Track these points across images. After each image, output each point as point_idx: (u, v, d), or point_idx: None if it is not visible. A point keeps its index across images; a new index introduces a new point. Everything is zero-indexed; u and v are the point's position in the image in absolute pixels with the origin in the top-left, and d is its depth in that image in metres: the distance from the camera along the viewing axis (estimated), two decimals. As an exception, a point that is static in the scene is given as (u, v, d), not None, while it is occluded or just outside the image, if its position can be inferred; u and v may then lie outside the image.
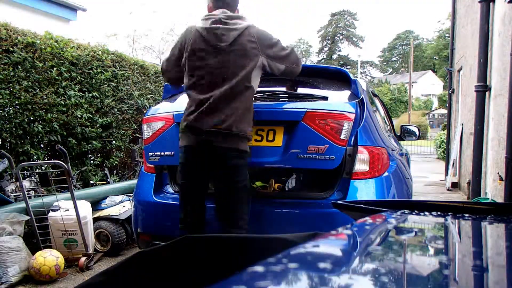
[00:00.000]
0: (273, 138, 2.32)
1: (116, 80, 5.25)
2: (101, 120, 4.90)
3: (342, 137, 2.22)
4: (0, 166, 3.58)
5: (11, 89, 3.82)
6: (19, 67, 3.91)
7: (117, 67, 5.32)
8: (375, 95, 3.85)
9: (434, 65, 54.77)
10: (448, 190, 7.85)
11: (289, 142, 2.27)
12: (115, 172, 5.61)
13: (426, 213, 0.90)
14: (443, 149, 12.62)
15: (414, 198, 3.83)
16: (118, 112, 5.26)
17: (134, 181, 3.73)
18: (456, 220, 0.85)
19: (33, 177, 3.98)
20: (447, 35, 43.90)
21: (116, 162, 5.34)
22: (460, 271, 0.57)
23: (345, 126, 2.23)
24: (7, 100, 3.75)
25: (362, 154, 2.35)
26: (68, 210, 3.40)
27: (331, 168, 2.22)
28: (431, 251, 0.67)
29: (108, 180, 4.84)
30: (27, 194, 3.53)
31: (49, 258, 3.05)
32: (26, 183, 3.80)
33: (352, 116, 2.26)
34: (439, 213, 0.90)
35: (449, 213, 0.90)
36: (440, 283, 0.53)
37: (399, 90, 43.28)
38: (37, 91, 4.09)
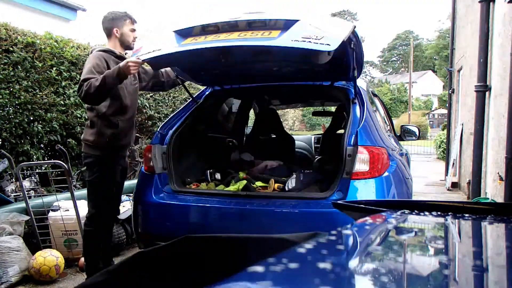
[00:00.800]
0: (269, 34, 2.24)
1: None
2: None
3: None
4: (0, 166, 3.58)
5: (11, 89, 3.82)
6: (19, 67, 3.91)
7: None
8: (375, 95, 3.85)
9: (434, 65, 54.74)
10: (448, 190, 7.85)
11: (284, 33, 2.18)
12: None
13: (426, 213, 0.90)
14: (443, 149, 12.62)
15: (414, 198, 3.84)
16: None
17: (134, 181, 3.73)
18: (456, 220, 0.85)
19: (33, 177, 3.98)
20: (447, 35, 43.89)
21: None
22: (460, 271, 0.57)
23: None
24: (6, 100, 3.75)
25: (362, 154, 2.35)
26: (68, 210, 3.40)
27: (325, 51, 2.08)
28: (431, 251, 0.67)
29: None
30: (27, 194, 3.53)
31: (49, 258, 3.05)
32: (26, 183, 3.80)
33: None
34: (439, 213, 0.90)
35: (449, 213, 0.90)
36: (440, 283, 0.53)
37: (399, 90, 43.24)
38: (37, 91, 4.08)
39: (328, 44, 2.00)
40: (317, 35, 2.05)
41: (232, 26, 2.28)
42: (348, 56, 2.43)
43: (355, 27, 2.23)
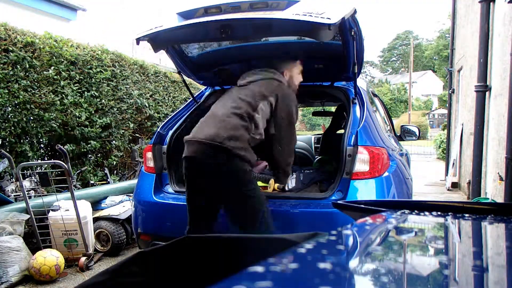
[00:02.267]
0: (270, 14, 2.27)
1: (115, 80, 5.25)
2: (101, 120, 4.89)
3: None
4: (0, 166, 3.58)
5: (10, 89, 3.82)
6: (18, 66, 3.91)
7: (116, 66, 5.32)
8: (375, 95, 3.85)
9: (434, 65, 54.76)
10: (448, 190, 7.85)
11: (289, 8, 2.23)
12: (115, 172, 5.61)
13: (426, 213, 0.89)
14: (443, 149, 12.63)
15: (414, 198, 3.84)
16: (117, 112, 5.25)
17: (134, 181, 3.73)
18: (456, 220, 0.85)
19: (33, 177, 3.98)
20: (447, 35, 43.89)
21: (115, 162, 5.34)
22: (460, 271, 0.57)
23: None
24: (5, 100, 3.75)
25: (362, 154, 2.35)
26: (68, 210, 3.40)
27: (326, 23, 2.04)
28: (431, 251, 0.67)
29: (108, 180, 4.84)
30: (27, 194, 3.53)
31: (49, 258, 3.05)
32: (26, 183, 3.80)
33: None
34: (439, 213, 0.90)
35: (449, 213, 0.90)
36: (440, 283, 0.53)
37: (399, 90, 43.25)
38: (36, 90, 4.08)
39: (328, 18, 2.02)
40: (318, 11, 2.08)
41: (234, 8, 2.30)
42: (349, 45, 2.43)
43: (356, 10, 2.23)
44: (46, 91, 4.17)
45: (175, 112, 3.15)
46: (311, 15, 2.05)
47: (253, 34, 2.61)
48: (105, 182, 4.82)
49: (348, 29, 2.28)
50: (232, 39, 2.71)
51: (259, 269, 0.48)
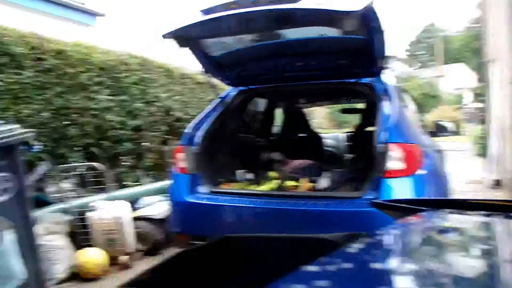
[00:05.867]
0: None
1: (143, 83, 5.37)
2: (132, 122, 5.02)
3: None
4: (41, 169, 3.73)
5: (46, 95, 3.98)
6: (51, 73, 4.06)
7: (143, 70, 5.44)
8: (404, 91, 3.77)
9: (464, 58, 52.81)
10: (489, 187, 7.52)
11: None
12: (149, 173, 5.74)
13: (471, 212, 0.88)
14: (480, 144, 12.16)
15: (452, 196, 3.73)
16: (147, 114, 5.37)
17: (168, 182, 3.80)
18: (505, 219, 0.82)
19: (72, 179, 4.13)
20: (477, 25, 42.24)
21: (149, 163, 5.46)
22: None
23: None
24: (42, 106, 3.90)
25: (395, 152, 2.31)
26: (107, 210, 3.50)
27: (349, 12, 2.08)
28: (481, 251, 0.66)
29: (142, 181, 4.95)
30: (67, 195, 3.67)
31: (92, 256, 3.17)
32: (65, 185, 3.94)
33: None
34: (484, 212, 0.88)
35: (495, 212, 0.88)
36: (491, 285, 0.53)
37: (430, 84, 41.92)
38: (70, 96, 4.24)
39: (350, 7, 2.04)
40: (339, 1, 2.10)
41: (253, 2, 2.33)
42: (372, 38, 2.40)
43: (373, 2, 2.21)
44: (80, 97, 4.32)
45: (202, 113, 3.18)
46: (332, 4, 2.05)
47: (275, 26, 2.62)
48: (139, 183, 4.93)
49: (370, 20, 2.25)
50: (254, 31, 2.73)
51: (313, 269, 0.49)
